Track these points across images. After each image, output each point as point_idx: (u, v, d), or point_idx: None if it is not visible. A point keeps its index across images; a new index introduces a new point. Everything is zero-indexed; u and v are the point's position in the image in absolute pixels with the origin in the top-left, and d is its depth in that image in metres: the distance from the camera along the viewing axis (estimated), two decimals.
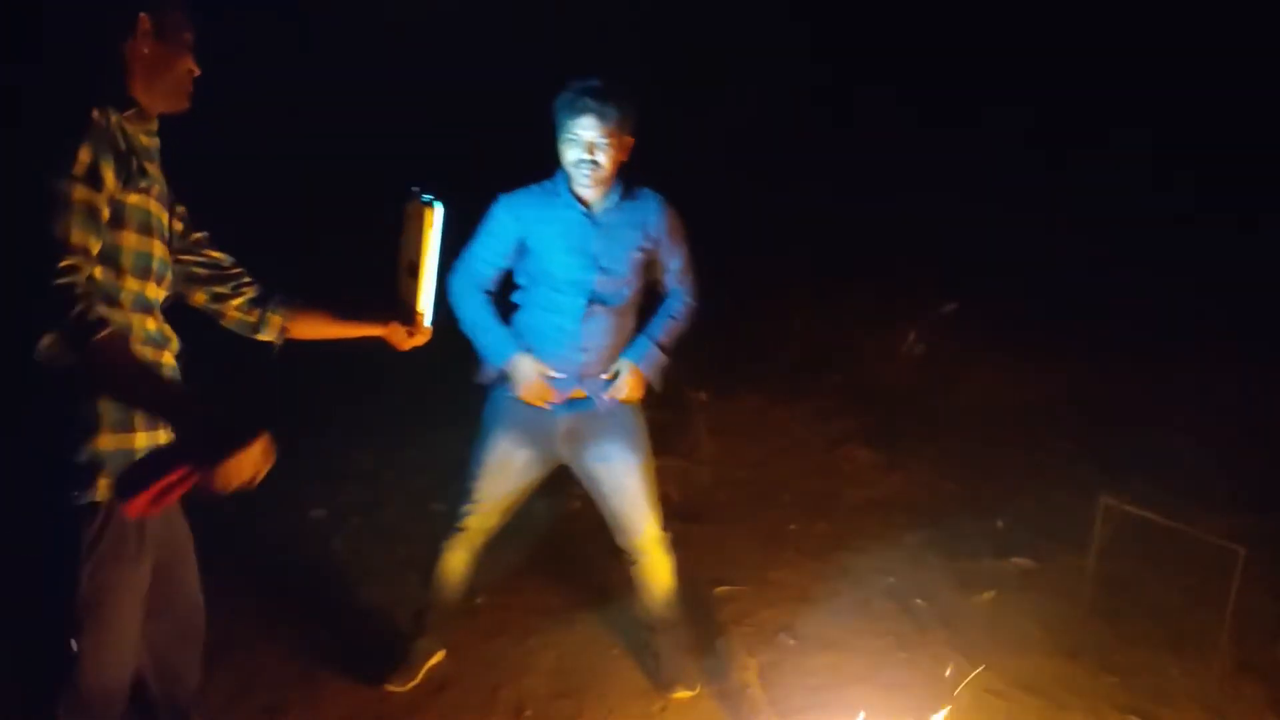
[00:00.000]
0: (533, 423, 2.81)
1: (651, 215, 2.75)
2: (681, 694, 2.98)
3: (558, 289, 2.72)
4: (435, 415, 4.52)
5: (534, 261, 2.74)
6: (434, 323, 2.35)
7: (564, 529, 3.92)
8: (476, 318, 2.77)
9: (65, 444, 1.72)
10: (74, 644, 1.79)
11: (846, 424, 4.94)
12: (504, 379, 2.78)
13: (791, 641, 3.29)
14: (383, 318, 2.27)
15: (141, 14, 1.78)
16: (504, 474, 2.86)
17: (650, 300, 2.89)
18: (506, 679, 3.07)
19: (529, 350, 2.75)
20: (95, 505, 1.74)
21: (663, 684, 3.01)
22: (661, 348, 2.83)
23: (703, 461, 4.49)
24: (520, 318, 2.81)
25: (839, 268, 6.11)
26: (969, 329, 5.68)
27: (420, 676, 3.01)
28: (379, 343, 2.32)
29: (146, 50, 1.79)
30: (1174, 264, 5.77)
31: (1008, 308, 5.74)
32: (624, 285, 2.74)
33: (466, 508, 2.89)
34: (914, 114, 6.99)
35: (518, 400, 2.77)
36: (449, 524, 2.94)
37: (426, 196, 2.24)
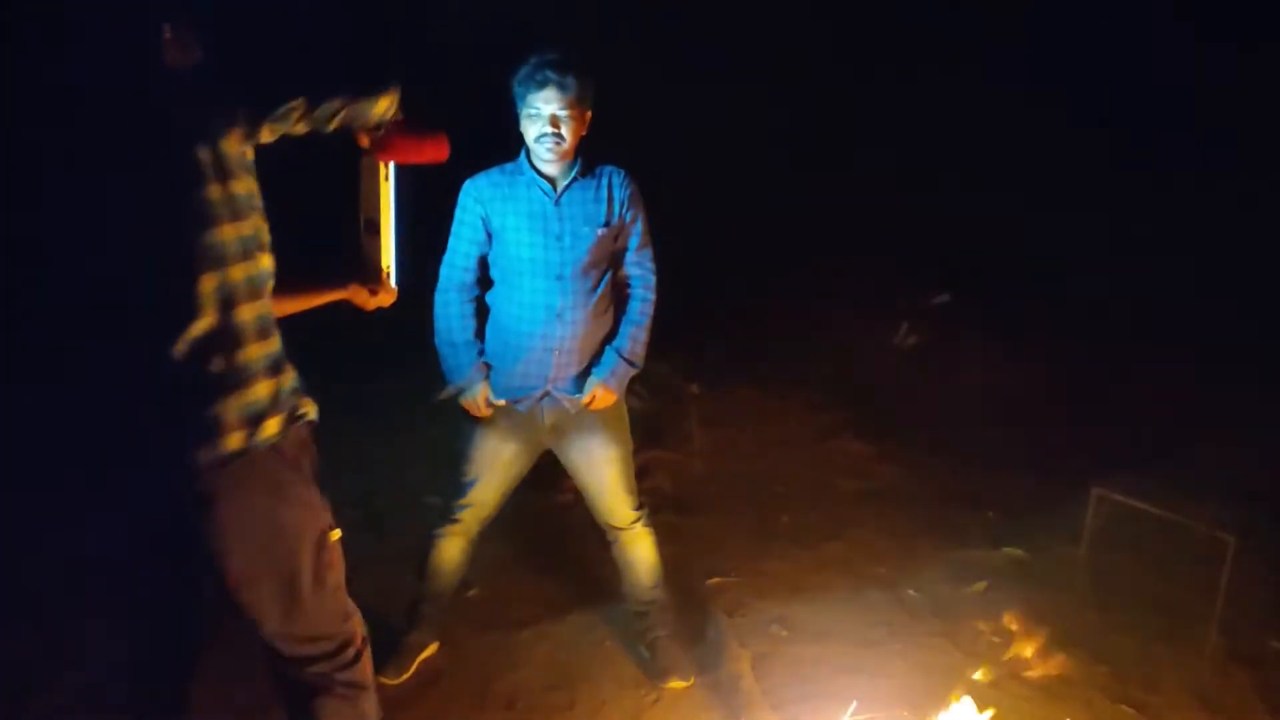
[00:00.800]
0: (520, 415, 2.82)
1: (615, 190, 2.73)
2: (676, 684, 2.98)
3: (523, 273, 2.70)
4: (428, 406, 4.51)
5: (499, 246, 2.73)
6: (402, 285, 2.33)
7: (556, 522, 3.92)
8: (444, 332, 2.80)
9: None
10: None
11: (838, 415, 4.94)
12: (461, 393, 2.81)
13: (784, 632, 3.29)
14: (342, 280, 2.23)
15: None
16: (495, 467, 2.87)
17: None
18: (499, 671, 3.07)
19: (487, 367, 2.79)
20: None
21: (657, 674, 3.01)
22: (628, 360, 2.81)
23: (695, 453, 4.48)
24: (492, 320, 2.81)
25: (831, 259, 6.11)
26: (961, 320, 5.69)
27: (413, 669, 3.01)
28: (360, 320, 2.30)
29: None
30: (1172, 261, 5.78)
31: (999, 299, 5.75)
32: (592, 267, 2.71)
33: (460, 501, 2.90)
34: (911, 107, 6.99)
35: (504, 397, 2.80)
36: (443, 517, 2.95)
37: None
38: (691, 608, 3.36)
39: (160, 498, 1.82)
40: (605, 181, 2.73)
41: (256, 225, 1.80)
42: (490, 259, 2.78)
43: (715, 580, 3.58)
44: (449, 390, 2.83)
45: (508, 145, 2.74)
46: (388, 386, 4.71)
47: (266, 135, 1.79)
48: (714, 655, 3.14)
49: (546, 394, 2.79)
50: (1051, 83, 6.81)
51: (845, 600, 3.46)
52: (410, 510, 3.85)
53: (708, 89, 6.93)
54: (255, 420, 1.81)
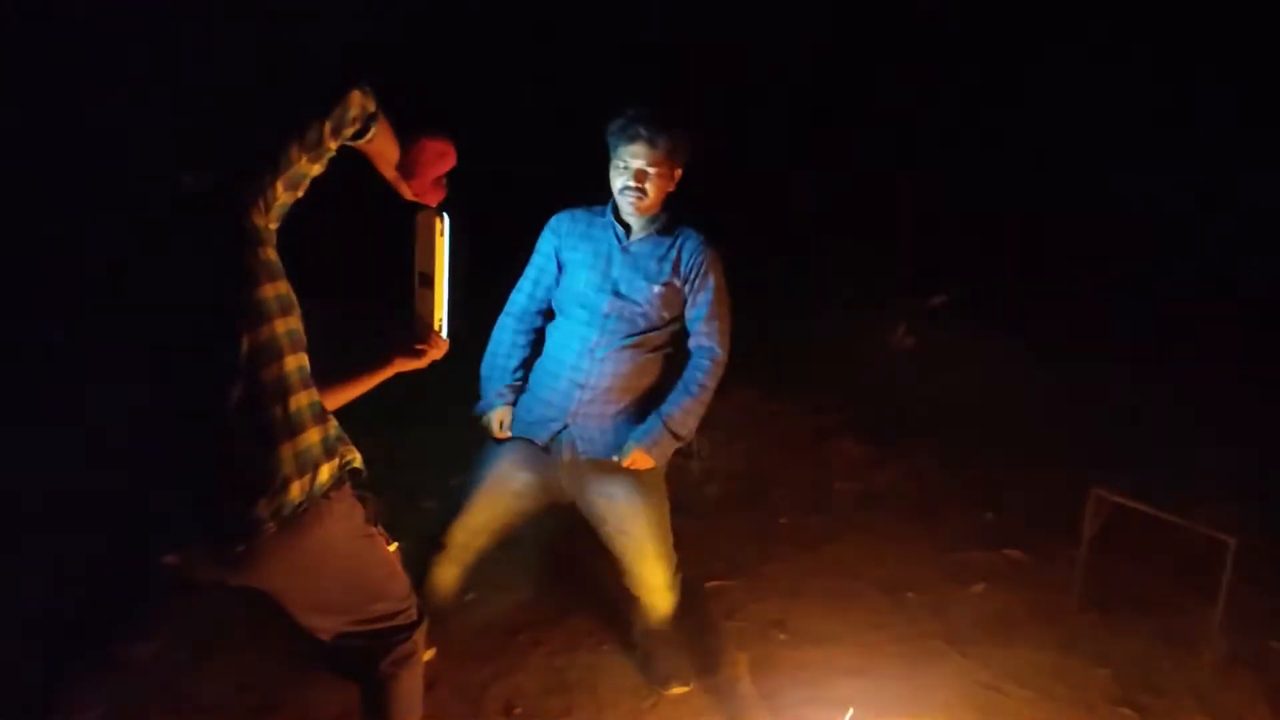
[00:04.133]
0: (537, 450, 2.78)
1: (686, 252, 2.72)
2: (677, 689, 2.97)
3: (573, 304, 2.72)
4: (427, 409, 4.49)
5: (563, 279, 2.76)
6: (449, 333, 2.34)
7: (555, 525, 3.89)
8: (491, 354, 2.83)
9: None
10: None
11: (836, 417, 4.93)
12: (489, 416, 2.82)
13: (783, 636, 3.27)
14: (387, 358, 2.28)
15: None
16: (500, 494, 2.81)
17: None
18: (496, 676, 3.05)
19: (515, 392, 2.80)
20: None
21: (658, 680, 2.99)
22: (672, 430, 2.73)
23: (692, 456, 4.47)
24: (546, 340, 2.83)
25: (829, 260, 6.10)
26: (958, 321, 5.68)
27: None
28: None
29: None
30: (1167, 257, 5.77)
31: (997, 299, 5.75)
32: (640, 317, 2.70)
33: (455, 523, 2.85)
34: (910, 104, 6.98)
35: (525, 428, 2.79)
36: (435, 539, 2.89)
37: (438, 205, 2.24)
38: (690, 611, 3.34)
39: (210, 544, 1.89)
40: (678, 243, 2.73)
41: (288, 287, 1.90)
42: (554, 294, 2.80)
43: (713, 583, 3.56)
44: (478, 409, 2.85)
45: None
46: (385, 390, 4.69)
47: (283, 194, 1.86)
48: (712, 659, 3.13)
49: (566, 427, 2.74)
50: (1049, 82, 6.82)
51: (844, 603, 3.44)
52: (409, 514, 3.82)
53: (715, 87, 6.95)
54: (311, 467, 1.91)
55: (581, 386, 2.72)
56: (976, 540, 3.88)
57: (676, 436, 2.75)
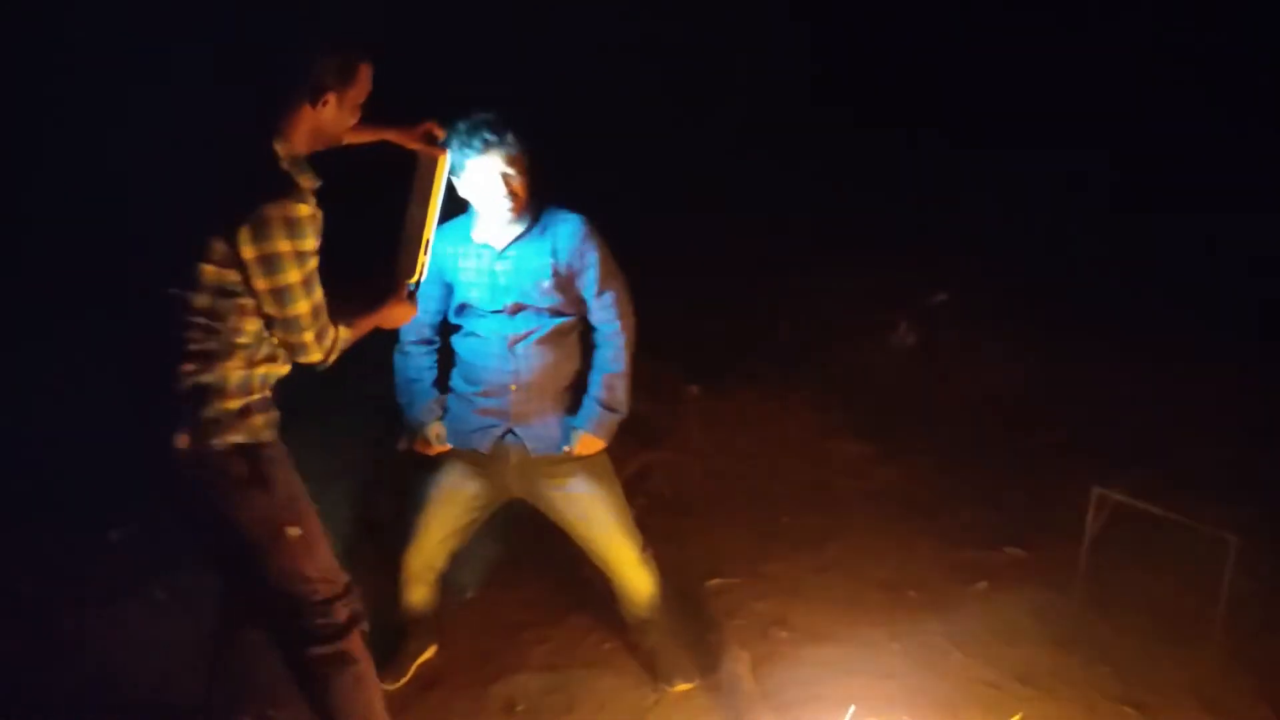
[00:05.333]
0: (484, 456, 2.77)
1: (561, 239, 2.66)
2: (682, 686, 2.97)
3: (478, 320, 2.69)
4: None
5: (457, 293, 2.72)
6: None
7: (553, 522, 3.89)
8: (403, 382, 2.81)
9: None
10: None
11: (837, 416, 4.92)
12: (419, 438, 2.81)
13: (784, 634, 3.27)
14: (376, 300, 2.39)
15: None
16: (451, 505, 2.81)
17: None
18: (498, 674, 3.05)
19: (441, 406, 2.80)
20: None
21: (662, 677, 3.00)
22: (609, 407, 2.75)
23: (694, 454, 4.47)
24: (455, 361, 2.79)
25: (829, 258, 6.09)
26: (959, 319, 5.67)
27: (411, 672, 3.00)
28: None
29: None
30: (1166, 255, 5.76)
31: (998, 298, 5.73)
32: (544, 313, 2.68)
33: (411, 549, 2.86)
34: (907, 104, 6.97)
35: (466, 437, 2.77)
36: (398, 559, 2.90)
37: (440, 141, 2.36)
38: (691, 610, 3.34)
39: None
40: (550, 232, 2.67)
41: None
42: (452, 306, 2.76)
43: (715, 582, 3.56)
44: (406, 435, 2.84)
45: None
46: (380, 390, 4.68)
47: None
48: (714, 657, 3.13)
49: (509, 431, 2.73)
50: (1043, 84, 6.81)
51: (846, 601, 3.44)
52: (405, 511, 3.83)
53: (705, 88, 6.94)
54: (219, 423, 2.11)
55: (513, 387, 2.69)
56: (978, 539, 3.87)
57: (615, 411, 2.76)
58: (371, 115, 2.27)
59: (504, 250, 2.65)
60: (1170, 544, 3.43)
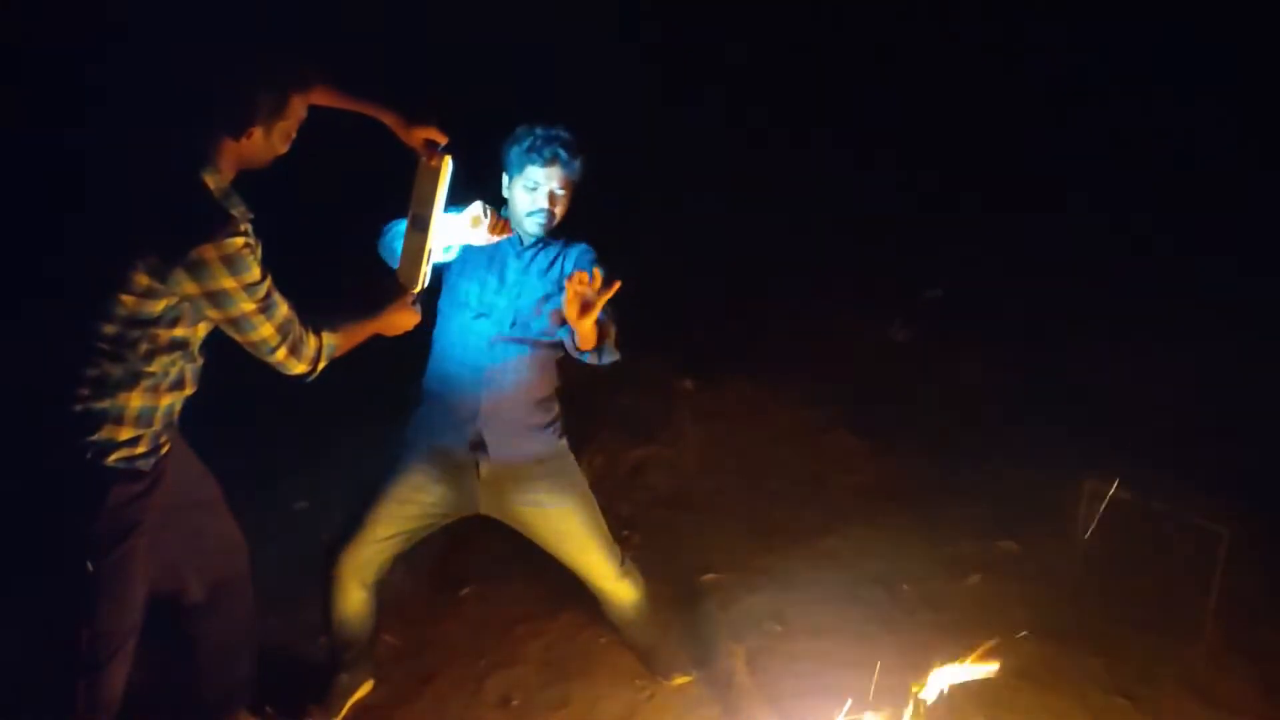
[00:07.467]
0: (451, 461, 2.66)
1: (570, 262, 2.64)
2: (680, 679, 2.98)
3: (463, 311, 2.62)
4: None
5: (454, 278, 2.65)
6: (422, 304, 2.39)
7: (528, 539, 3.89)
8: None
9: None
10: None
11: (831, 410, 4.93)
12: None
13: (778, 628, 3.28)
14: (378, 307, 2.34)
15: None
16: (408, 507, 2.67)
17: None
18: (493, 668, 3.06)
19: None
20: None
21: (659, 671, 3.01)
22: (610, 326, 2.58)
23: (687, 449, 4.48)
24: (435, 346, 2.70)
25: (823, 253, 6.10)
26: (952, 314, 5.69)
27: (344, 712, 2.85)
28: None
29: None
30: (1162, 253, 5.78)
31: (991, 293, 5.75)
32: (534, 318, 2.62)
33: (349, 543, 2.66)
34: (905, 104, 6.99)
35: (434, 437, 2.67)
36: (330, 556, 2.69)
37: (441, 148, 2.33)
38: (685, 604, 3.35)
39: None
40: (564, 252, 2.66)
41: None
42: (445, 294, 2.68)
43: (709, 576, 3.57)
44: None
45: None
46: (375, 385, 4.68)
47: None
48: (708, 651, 3.14)
49: (479, 433, 2.62)
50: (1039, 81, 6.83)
51: (839, 595, 3.45)
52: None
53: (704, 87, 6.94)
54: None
55: (485, 386, 2.60)
56: (971, 532, 3.89)
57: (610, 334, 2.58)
58: (368, 91, 2.27)
59: (520, 253, 2.65)
60: (1162, 536, 3.45)
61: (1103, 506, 3.40)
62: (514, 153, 2.59)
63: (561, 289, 2.52)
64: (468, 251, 2.61)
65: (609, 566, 2.80)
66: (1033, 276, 5.80)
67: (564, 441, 2.76)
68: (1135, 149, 6.35)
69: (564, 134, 2.59)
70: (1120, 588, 3.49)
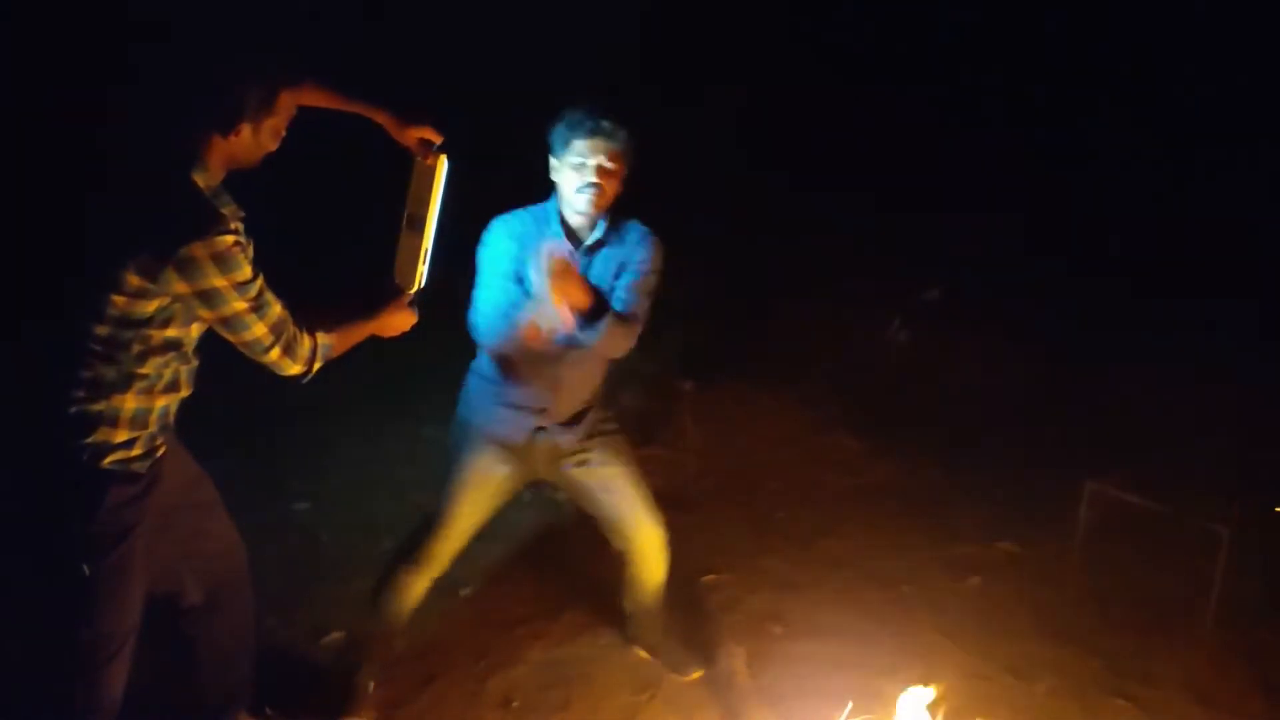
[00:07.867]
0: (513, 440, 2.69)
1: (635, 250, 2.62)
2: (692, 676, 3.01)
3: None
4: (419, 405, 4.50)
5: (522, 265, 2.59)
6: (420, 305, 2.35)
7: (550, 519, 3.90)
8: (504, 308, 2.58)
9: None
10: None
11: (832, 411, 4.94)
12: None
13: (779, 629, 3.29)
14: (373, 309, 2.31)
15: None
16: (483, 491, 2.71)
17: None
18: (494, 670, 3.06)
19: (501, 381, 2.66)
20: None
21: (673, 667, 3.04)
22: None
23: (688, 450, 4.48)
24: (494, 326, 2.64)
25: (823, 256, 6.10)
26: (953, 315, 5.69)
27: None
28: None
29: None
30: (1172, 260, 5.78)
31: (991, 293, 5.75)
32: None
33: (438, 535, 2.72)
34: (904, 107, 6.98)
35: (492, 421, 2.69)
36: (409, 554, 2.76)
37: (437, 147, 2.30)
38: (686, 605, 3.35)
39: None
40: (628, 241, 2.63)
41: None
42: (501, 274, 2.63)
43: (709, 577, 3.57)
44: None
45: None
46: (377, 386, 4.69)
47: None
48: (709, 652, 3.13)
49: (542, 429, 2.66)
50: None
51: (840, 596, 3.45)
52: (402, 511, 3.83)
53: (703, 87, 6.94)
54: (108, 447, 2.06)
55: (555, 389, 2.63)
56: (971, 533, 3.89)
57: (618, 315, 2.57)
58: (362, 90, 2.26)
59: (586, 248, 2.60)
60: (1162, 537, 3.45)
61: (1103, 507, 3.40)
62: (558, 131, 2.53)
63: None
64: (529, 254, 2.52)
65: (658, 535, 2.84)
66: (1033, 276, 5.80)
67: (616, 424, 2.82)
68: (1135, 149, 6.35)
69: (607, 105, 2.53)
70: (1120, 589, 3.49)
